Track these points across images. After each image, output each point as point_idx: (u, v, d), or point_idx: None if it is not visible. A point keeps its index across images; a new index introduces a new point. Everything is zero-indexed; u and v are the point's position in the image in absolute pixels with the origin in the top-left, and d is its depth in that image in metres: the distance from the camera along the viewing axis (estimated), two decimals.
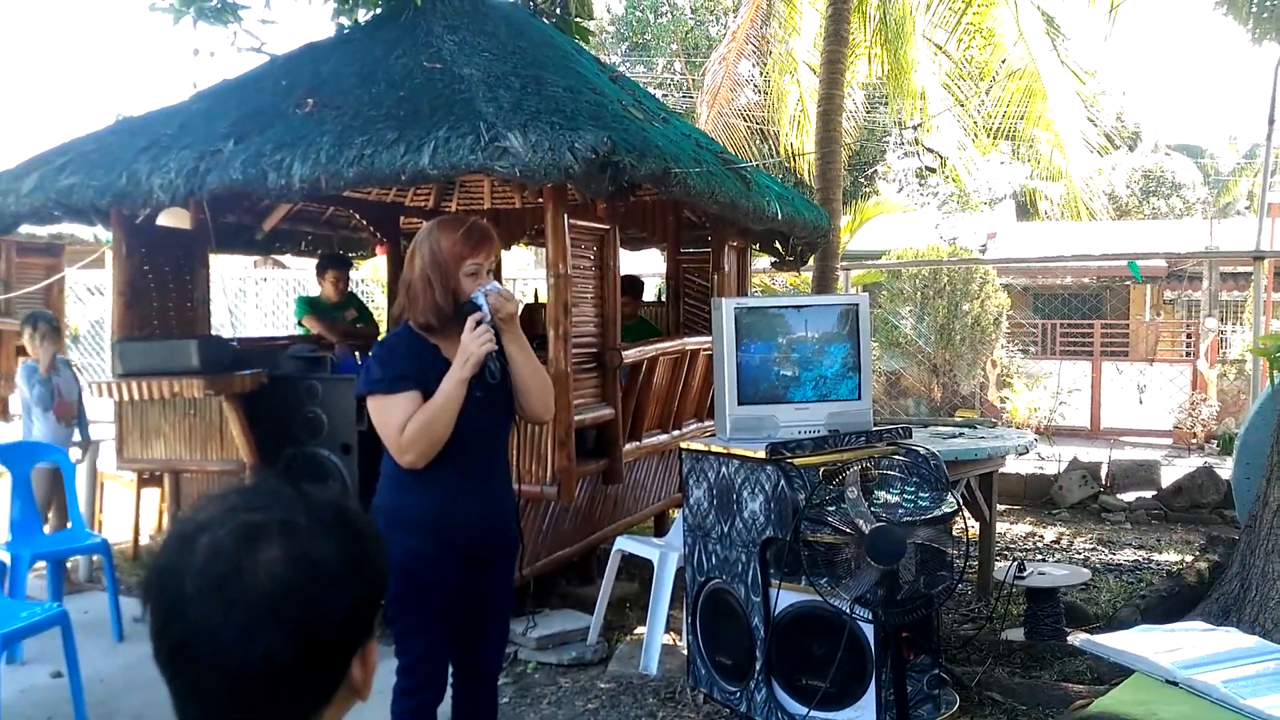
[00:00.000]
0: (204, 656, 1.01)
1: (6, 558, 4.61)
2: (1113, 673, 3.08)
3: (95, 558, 5.54)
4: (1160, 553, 6.30)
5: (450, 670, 2.76)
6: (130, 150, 4.66)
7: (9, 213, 4.94)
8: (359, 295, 7.65)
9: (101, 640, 4.74)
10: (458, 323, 2.58)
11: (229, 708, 1.02)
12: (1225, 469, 7.56)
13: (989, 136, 10.85)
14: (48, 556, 4.88)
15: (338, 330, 6.36)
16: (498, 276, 2.91)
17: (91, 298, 13.24)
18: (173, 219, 5.45)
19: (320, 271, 6.68)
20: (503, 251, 7.58)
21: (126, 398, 4.82)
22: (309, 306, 6.60)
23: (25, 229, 7.02)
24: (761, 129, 13.11)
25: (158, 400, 4.90)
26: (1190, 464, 8.45)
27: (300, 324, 6.65)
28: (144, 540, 6.38)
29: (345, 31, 5.59)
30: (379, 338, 6.47)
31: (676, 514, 5.39)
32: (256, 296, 14.50)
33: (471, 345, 2.54)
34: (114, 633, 4.82)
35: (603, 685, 4.14)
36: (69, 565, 5.58)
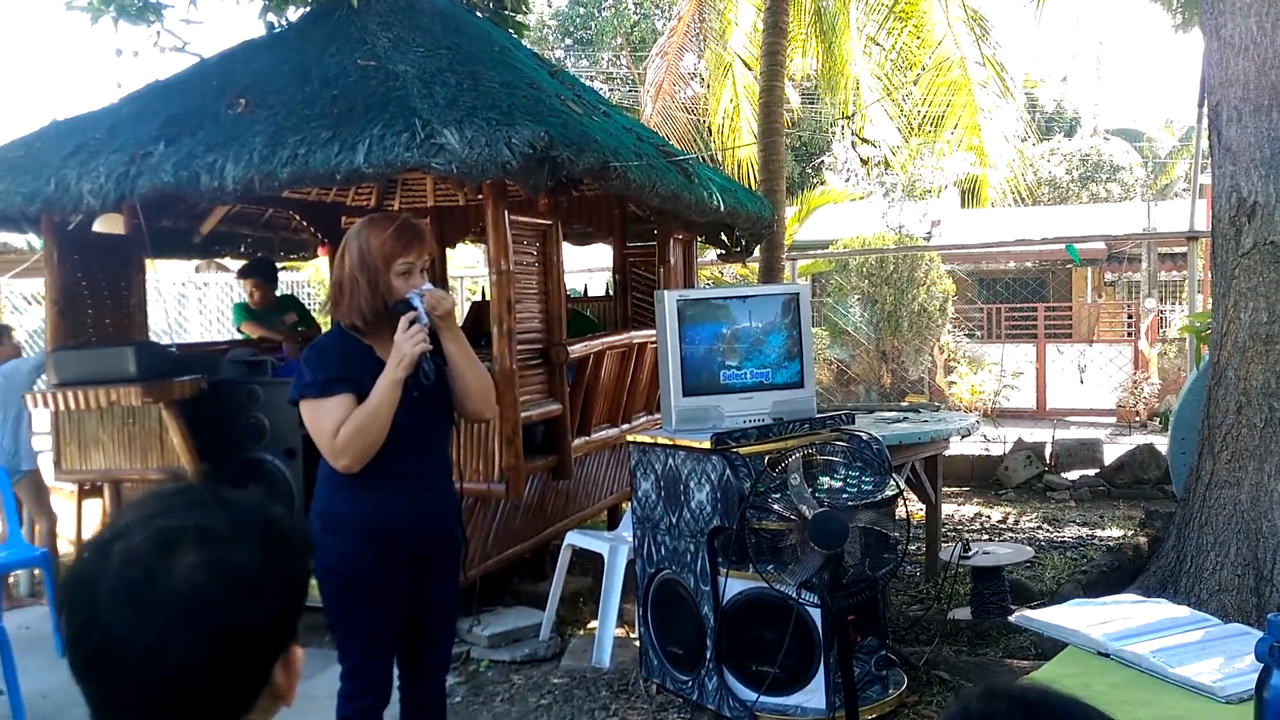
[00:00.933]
0: (118, 666, 0.99)
1: None
2: (1055, 647, 3.14)
3: (36, 571, 5.42)
4: (1103, 529, 6.43)
5: (396, 673, 2.74)
6: (58, 155, 4.56)
7: None
8: (297, 298, 7.55)
9: (44, 655, 4.63)
10: (390, 323, 2.54)
11: (146, 716, 1.01)
12: (1166, 445, 7.73)
13: (918, 129, 11.02)
14: None
15: (280, 334, 6.28)
16: (439, 275, 2.88)
17: (29, 306, 12.92)
18: (107, 225, 5.35)
19: (240, 278, 6.63)
20: (448, 250, 7.54)
21: (63, 408, 4.72)
22: (246, 313, 6.51)
23: None
24: (704, 122, 13.16)
25: (95, 410, 4.80)
26: (1132, 441, 8.62)
27: (240, 330, 6.56)
28: None
29: (277, 30, 5.51)
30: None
31: (628, 507, 5.41)
32: (200, 301, 14.25)
33: (405, 345, 2.50)
34: (56, 647, 4.72)
35: (556, 680, 4.14)
36: (9, 580, 5.46)
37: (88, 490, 6.04)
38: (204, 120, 4.46)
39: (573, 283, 7.36)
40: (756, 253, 7.85)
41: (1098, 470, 7.80)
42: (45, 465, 5.63)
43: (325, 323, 7.21)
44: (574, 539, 4.67)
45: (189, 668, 0.98)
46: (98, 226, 5.25)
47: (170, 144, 4.32)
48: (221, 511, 1.06)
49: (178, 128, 4.45)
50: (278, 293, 6.83)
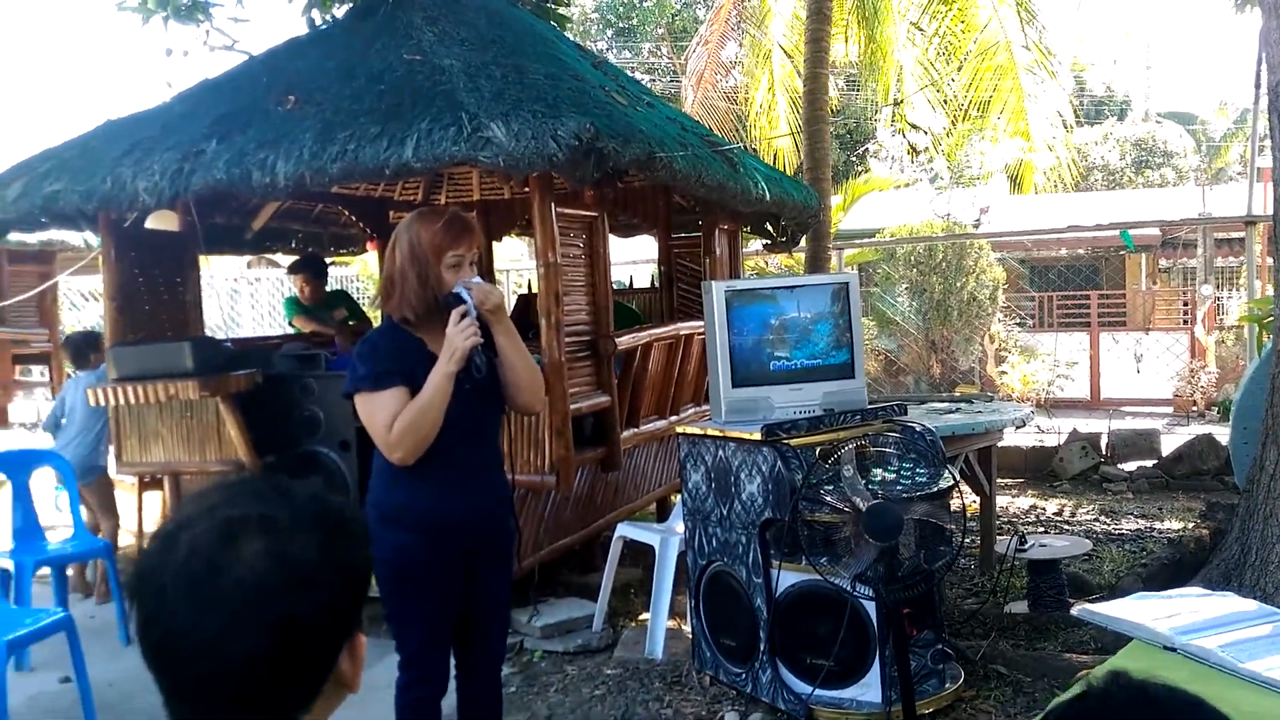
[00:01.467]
0: (184, 655, 1.00)
1: (10, 565, 4.62)
2: (1116, 642, 3.08)
3: (99, 562, 5.54)
4: (1162, 521, 6.31)
5: (453, 662, 2.76)
6: (113, 154, 4.64)
7: None
8: (348, 293, 7.64)
9: (109, 644, 4.74)
10: (441, 316, 2.55)
11: (213, 706, 1.02)
12: (1225, 435, 7.55)
13: (964, 115, 10.86)
14: (51, 563, 4.88)
15: (331, 329, 6.35)
16: (487, 268, 2.89)
17: (86, 303, 13.21)
18: (161, 221, 5.44)
19: (290, 274, 6.77)
20: (494, 243, 7.58)
21: (123, 402, 4.82)
22: (297, 308, 6.59)
23: (15, 236, 7.04)
24: (745, 111, 13.09)
25: (154, 404, 4.89)
26: (1190, 431, 8.45)
27: (291, 325, 6.65)
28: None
29: (322, 27, 5.56)
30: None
31: (678, 499, 5.40)
32: (252, 296, 14.47)
33: (457, 339, 2.51)
34: (120, 636, 4.82)
35: (609, 671, 4.15)
36: (72, 571, 5.59)
37: (147, 483, 6.16)
38: (254, 118, 4.52)
39: (617, 275, 7.37)
40: (802, 242, 7.79)
41: (1155, 461, 7.65)
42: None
43: (375, 317, 7.28)
44: (625, 530, 4.67)
45: (252, 659, 1.00)
46: (150, 223, 5.34)
47: (222, 141, 4.38)
48: (282, 502, 1.08)
49: (229, 125, 4.50)
50: (328, 288, 6.92)
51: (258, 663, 1.00)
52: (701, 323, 5.31)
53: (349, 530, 1.11)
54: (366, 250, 8.11)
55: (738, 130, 12.93)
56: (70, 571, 5.54)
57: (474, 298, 2.57)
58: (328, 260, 7.31)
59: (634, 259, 11.00)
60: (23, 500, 4.86)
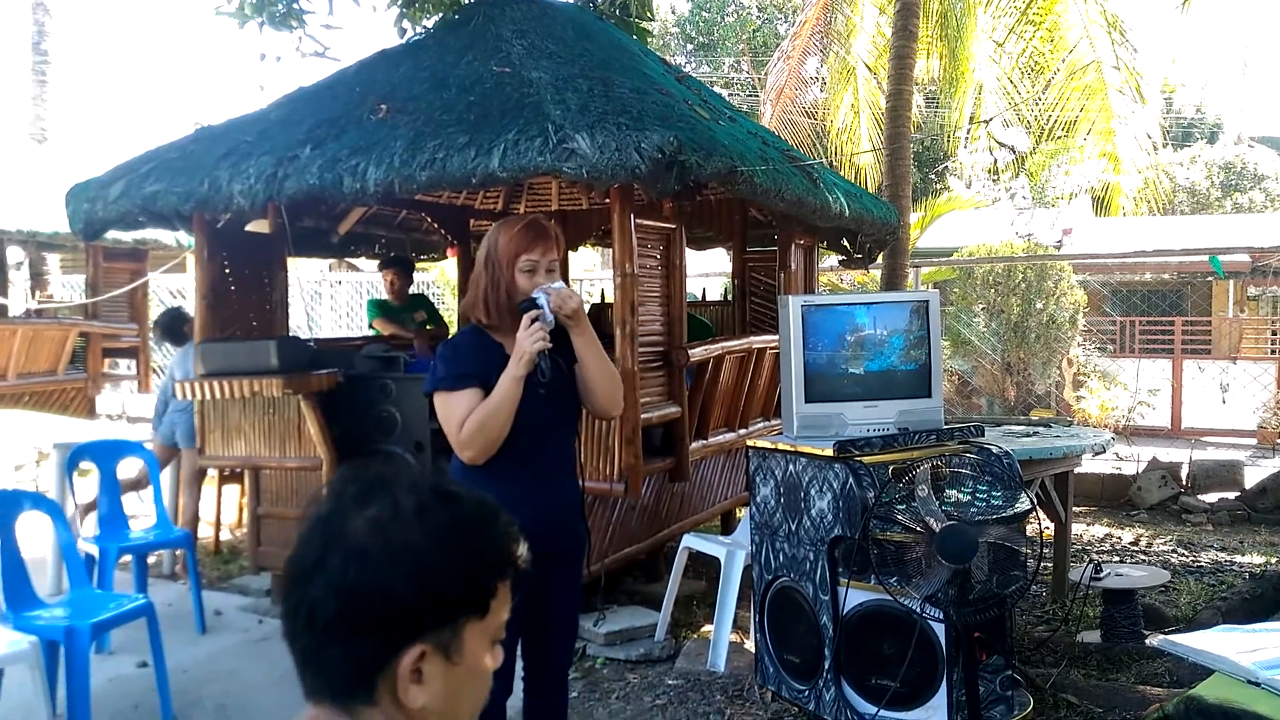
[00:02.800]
0: (286, 576, 1.10)
1: (95, 551, 4.79)
2: (1192, 675, 3.01)
3: (179, 552, 5.72)
4: (1243, 554, 6.12)
5: (521, 665, 2.79)
6: (211, 157, 4.81)
7: (97, 219, 5.14)
8: (428, 297, 7.81)
9: (185, 632, 4.90)
10: (520, 321, 2.62)
11: (292, 638, 1.10)
12: None
13: (1048, 134, 10.67)
14: (134, 550, 5.05)
15: (410, 332, 6.50)
16: (564, 277, 2.94)
17: (174, 300, 13.65)
18: (255, 224, 5.61)
19: (381, 269, 7.00)
20: (570, 252, 7.66)
21: (208, 397, 4.98)
22: (379, 310, 6.76)
23: (111, 235, 7.33)
24: (825, 127, 13.03)
25: (238, 399, 5.05)
26: (1275, 464, 8.19)
27: (371, 326, 6.81)
28: (224, 535, 6.57)
29: (414, 38, 5.70)
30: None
31: (743, 512, 5.39)
32: (332, 299, 14.81)
33: (525, 343, 2.57)
34: (196, 625, 4.98)
35: (671, 682, 4.16)
36: (152, 559, 5.78)
37: (227, 476, 6.36)
38: (347, 125, 4.64)
39: (690, 287, 7.40)
40: (878, 259, 7.73)
41: (1238, 494, 7.43)
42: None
43: (452, 322, 7.42)
44: (691, 542, 4.69)
45: (314, 608, 1.06)
46: (250, 227, 5.52)
47: (316, 148, 4.51)
48: (422, 496, 1.13)
49: (323, 132, 4.63)
50: (411, 290, 7.09)
51: (320, 614, 1.06)
52: (773, 337, 5.31)
53: (454, 545, 1.11)
54: (447, 256, 8.27)
55: (816, 145, 12.88)
56: (151, 559, 5.74)
57: (551, 302, 2.62)
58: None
59: (706, 272, 11.02)
60: (109, 489, 5.05)
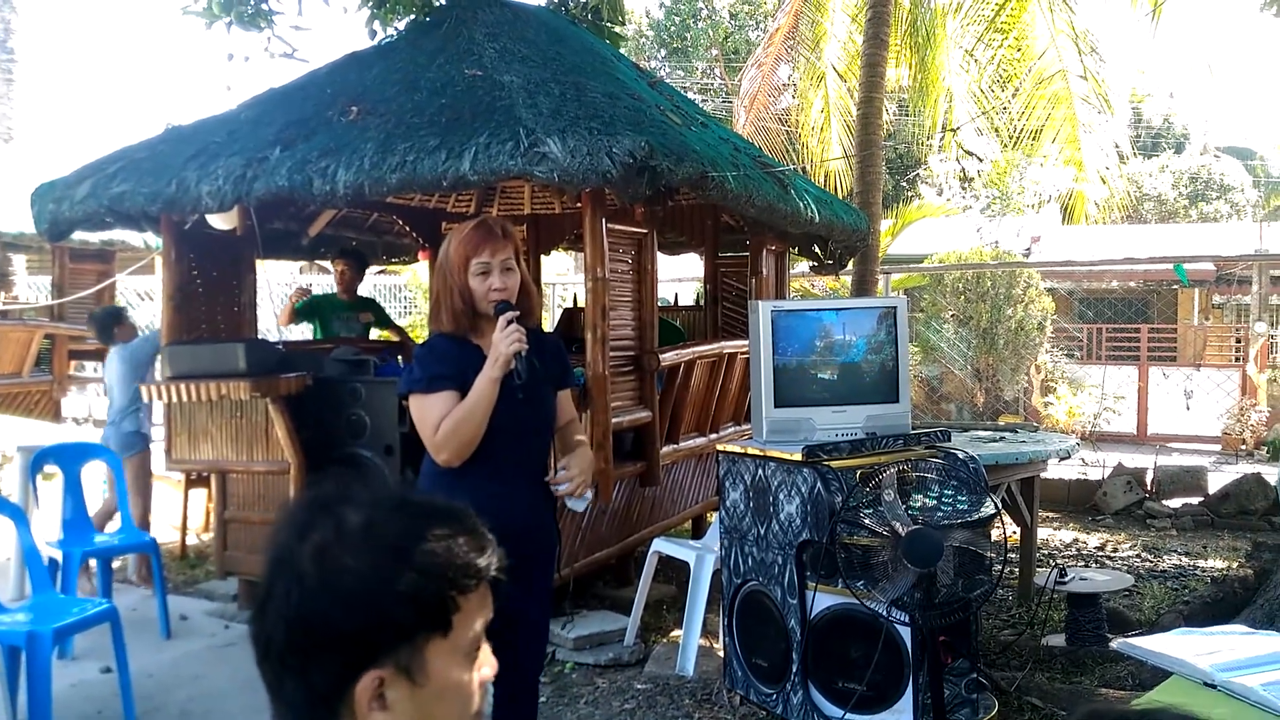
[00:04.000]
0: (251, 612, 1.09)
1: (59, 555, 4.73)
2: (1154, 678, 3.05)
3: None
4: (1206, 559, 6.21)
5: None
6: (180, 158, 4.77)
7: (64, 219, 5.08)
8: (376, 301, 7.70)
9: (149, 637, 4.85)
10: (488, 322, 2.62)
11: (264, 678, 1.08)
12: (1274, 475, 7.43)
13: (1015, 142, 10.78)
14: (98, 554, 4.99)
15: (335, 341, 6.35)
16: (535, 280, 2.95)
17: (142, 302, 13.52)
18: (222, 221, 5.56)
19: (333, 260, 6.86)
20: (543, 256, 7.65)
21: (175, 400, 4.93)
22: (309, 309, 6.66)
23: (78, 235, 7.24)
24: (797, 134, 13.10)
25: (205, 402, 5.00)
26: (1239, 470, 8.30)
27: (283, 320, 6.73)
28: (191, 540, 6.51)
29: (387, 40, 5.68)
30: (393, 345, 6.60)
31: (714, 517, 5.40)
32: None
33: (501, 344, 2.57)
34: (161, 630, 4.92)
35: (639, 686, 4.17)
36: (117, 564, 5.71)
37: (194, 480, 6.30)
38: (317, 127, 4.62)
39: (662, 292, 7.42)
40: (849, 265, 7.78)
41: (1201, 499, 7.52)
42: (155, 453, 5.89)
43: (409, 327, 7.36)
44: (661, 546, 4.69)
45: (270, 637, 1.05)
46: (212, 221, 5.45)
47: (285, 149, 4.48)
48: (375, 514, 1.07)
49: (293, 134, 4.61)
50: (361, 291, 7.01)
51: (276, 642, 1.05)
52: (744, 342, 5.33)
53: (399, 564, 1.04)
54: (418, 259, 8.23)
55: (789, 152, 12.95)
56: (116, 564, 5.67)
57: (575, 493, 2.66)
58: (379, 269, 7.42)
59: (678, 277, 11.05)
60: (73, 492, 4.99)
